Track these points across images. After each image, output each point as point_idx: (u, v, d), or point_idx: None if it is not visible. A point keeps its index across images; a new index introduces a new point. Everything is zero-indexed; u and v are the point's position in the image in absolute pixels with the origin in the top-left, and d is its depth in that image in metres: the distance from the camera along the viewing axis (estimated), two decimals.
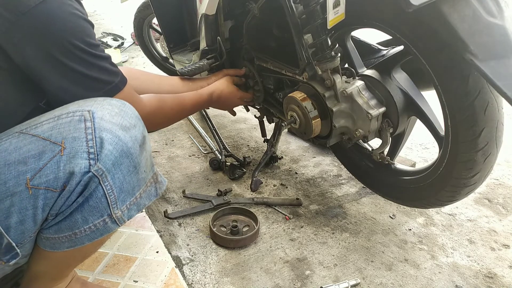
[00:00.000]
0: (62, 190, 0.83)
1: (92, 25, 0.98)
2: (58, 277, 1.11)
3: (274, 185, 1.86)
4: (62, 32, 0.90)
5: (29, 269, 1.06)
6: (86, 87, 0.96)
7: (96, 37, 1.01)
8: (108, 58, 1.02)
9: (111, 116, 0.87)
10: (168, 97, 1.37)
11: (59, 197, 0.84)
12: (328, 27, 1.20)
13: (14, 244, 0.86)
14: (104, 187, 0.85)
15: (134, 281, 1.29)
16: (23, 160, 0.82)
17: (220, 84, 1.62)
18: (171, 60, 2.31)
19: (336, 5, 1.17)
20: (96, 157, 0.83)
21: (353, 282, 1.32)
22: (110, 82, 1.00)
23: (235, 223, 1.53)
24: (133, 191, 0.92)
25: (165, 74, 2.90)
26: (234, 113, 1.83)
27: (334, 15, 1.18)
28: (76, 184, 0.83)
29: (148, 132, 0.97)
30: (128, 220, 0.94)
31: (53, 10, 0.89)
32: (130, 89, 1.06)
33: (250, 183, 1.84)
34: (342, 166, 1.86)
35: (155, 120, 1.27)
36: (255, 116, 1.98)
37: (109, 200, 0.87)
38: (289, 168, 2.00)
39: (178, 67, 2.13)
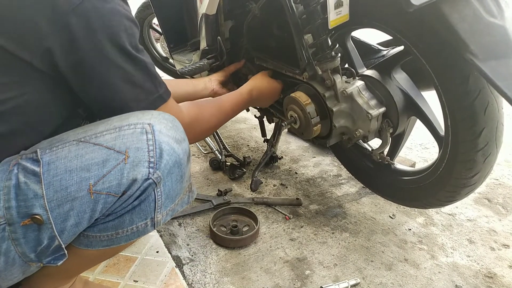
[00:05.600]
0: (122, 195, 0.88)
1: (137, 26, 0.95)
2: (72, 275, 1.13)
3: (274, 185, 1.86)
4: (107, 28, 0.88)
5: (41, 267, 1.06)
6: (132, 89, 0.95)
7: None
8: (152, 65, 0.99)
9: (167, 130, 0.92)
10: (206, 103, 1.32)
11: (117, 201, 0.89)
12: (330, 28, 1.20)
13: (63, 246, 0.90)
14: (155, 193, 0.92)
15: (134, 281, 1.29)
16: (86, 167, 0.87)
17: (258, 80, 1.54)
18: (171, 60, 2.31)
19: (338, 5, 1.17)
20: (155, 166, 0.89)
21: (353, 282, 1.33)
22: (155, 91, 0.99)
23: (235, 223, 1.53)
24: (175, 198, 0.98)
25: (165, 74, 2.90)
26: None
27: (336, 15, 1.18)
28: (136, 190, 0.89)
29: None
30: (162, 224, 1.00)
31: (98, 8, 0.87)
32: (173, 101, 1.06)
33: (250, 183, 1.84)
34: (342, 166, 1.86)
35: (196, 129, 1.19)
36: (255, 116, 1.98)
37: (156, 205, 0.93)
38: (289, 168, 2.00)
39: (178, 67, 2.13)
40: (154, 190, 0.91)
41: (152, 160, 0.88)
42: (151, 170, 0.88)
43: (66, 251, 0.91)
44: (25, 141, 0.92)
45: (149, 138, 0.89)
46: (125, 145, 0.88)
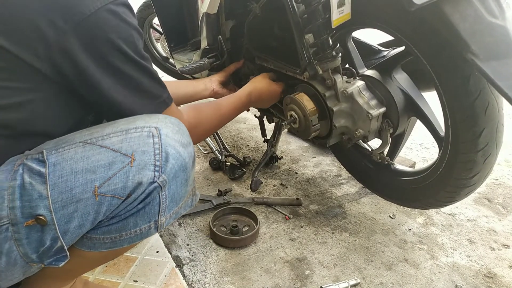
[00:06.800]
0: (127, 198, 0.88)
1: (142, 36, 0.97)
2: (73, 276, 1.13)
3: (274, 185, 1.86)
4: (116, 39, 0.89)
5: (42, 268, 1.06)
6: (139, 96, 0.97)
7: None
8: (156, 72, 1.02)
9: (173, 134, 0.93)
10: (204, 106, 1.34)
11: (122, 203, 0.89)
12: (332, 27, 1.20)
13: (65, 247, 0.90)
14: (160, 196, 0.92)
15: (134, 281, 1.29)
16: (92, 169, 0.87)
17: (257, 82, 1.55)
18: (171, 60, 2.31)
19: (340, 4, 1.17)
20: (161, 170, 0.89)
21: (353, 282, 1.33)
22: (159, 96, 1.01)
23: (235, 223, 1.53)
24: (179, 202, 0.98)
25: (165, 74, 2.91)
26: None
27: (338, 14, 1.18)
28: (141, 193, 0.89)
29: None
30: (165, 227, 1.00)
31: (107, 19, 0.88)
32: (175, 105, 1.08)
33: (250, 183, 1.84)
34: (342, 166, 1.86)
35: (195, 132, 1.21)
36: (255, 116, 1.99)
37: (160, 208, 0.93)
38: (289, 168, 2.00)
39: (178, 66, 2.13)
40: (159, 194, 0.91)
41: (158, 163, 0.89)
42: (156, 173, 0.89)
43: (68, 253, 0.91)
44: (32, 146, 0.92)
45: (156, 142, 0.90)
46: (131, 148, 0.88)
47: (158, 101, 1.01)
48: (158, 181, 0.89)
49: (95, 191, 0.86)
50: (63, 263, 0.92)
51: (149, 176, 0.88)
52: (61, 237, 0.88)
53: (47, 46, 0.84)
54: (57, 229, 0.86)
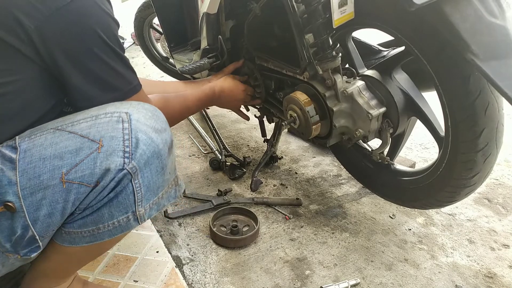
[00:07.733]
0: (95, 185, 0.87)
1: (118, 25, 0.99)
2: (64, 275, 1.12)
3: (274, 185, 1.86)
4: (95, 27, 0.90)
5: (35, 267, 1.07)
6: (111, 82, 0.97)
7: None
8: (128, 60, 1.03)
9: (145, 119, 0.91)
10: (171, 96, 1.38)
11: (91, 192, 0.88)
12: (334, 27, 1.20)
13: (37, 237, 0.89)
14: (133, 185, 0.89)
15: (134, 281, 1.29)
16: (59, 155, 0.85)
17: (222, 80, 1.64)
18: (171, 60, 2.32)
19: (342, 4, 1.16)
20: (130, 156, 0.87)
21: (353, 282, 1.33)
22: (131, 82, 1.01)
23: (235, 223, 1.53)
24: (157, 191, 0.96)
25: (165, 74, 2.91)
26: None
27: (340, 14, 1.18)
28: (110, 180, 0.87)
29: None
30: (147, 219, 0.97)
31: (87, 7, 0.90)
32: (144, 92, 1.08)
33: (250, 183, 1.84)
34: (342, 166, 1.86)
35: None
36: (255, 116, 1.98)
37: (136, 198, 0.91)
38: (289, 168, 2.00)
39: (178, 66, 2.13)
40: (131, 182, 0.89)
41: (127, 149, 0.87)
42: (126, 160, 0.86)
43: (40, 243, 0.90)
44: (9, 126, 0.92)
45: (125, 127, 0.88)
46: (99, 134, 0.87)
47: (129, 87, 1.01)
48: (127, 168, 0.86)
49: (63, 178, 0.85)
50: (35, 254, 0.91)
51: (117, 162, 0.86)
52: (31, 226, 0.87)
53: (26, 29, 0.85)
54: (27, 216, 0.86)
